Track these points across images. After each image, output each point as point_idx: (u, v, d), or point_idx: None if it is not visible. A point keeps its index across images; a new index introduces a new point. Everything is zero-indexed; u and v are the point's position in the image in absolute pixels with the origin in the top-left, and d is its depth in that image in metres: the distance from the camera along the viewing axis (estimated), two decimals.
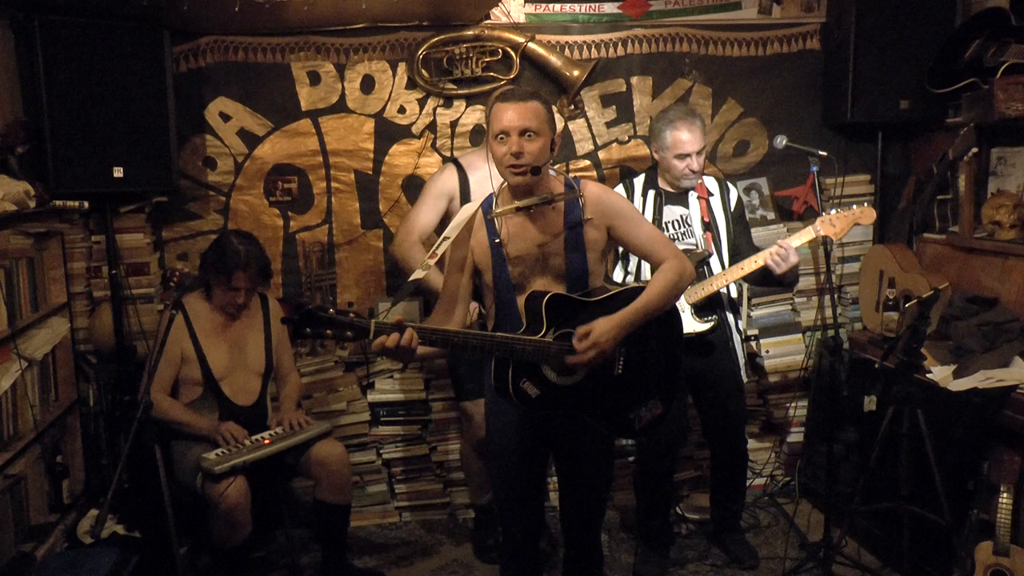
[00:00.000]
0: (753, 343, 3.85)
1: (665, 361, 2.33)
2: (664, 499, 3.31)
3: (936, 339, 3.20)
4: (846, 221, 3.01)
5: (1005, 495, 2.63)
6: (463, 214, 2.30)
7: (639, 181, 3.22)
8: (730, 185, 3.25)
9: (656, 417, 2.32)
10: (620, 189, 3.24)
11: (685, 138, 3.04)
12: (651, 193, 3.17)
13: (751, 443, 3.85)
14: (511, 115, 2.13)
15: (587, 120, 3.81)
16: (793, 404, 3.88)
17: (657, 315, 2.22)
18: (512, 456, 2.37)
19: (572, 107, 3.76)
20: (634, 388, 2.27)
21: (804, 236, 3.02)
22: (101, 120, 3.14)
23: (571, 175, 3.78)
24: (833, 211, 3.04)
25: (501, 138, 2.15)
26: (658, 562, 3.27)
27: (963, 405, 2.87)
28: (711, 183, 3.20)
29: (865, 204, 3.07)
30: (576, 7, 3.73)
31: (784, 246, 2.94)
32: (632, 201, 3.18)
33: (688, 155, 3.05)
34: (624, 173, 3.85)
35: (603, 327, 2.10)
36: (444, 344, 2.09)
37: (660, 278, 2.22)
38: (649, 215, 3.15)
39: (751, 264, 3.01)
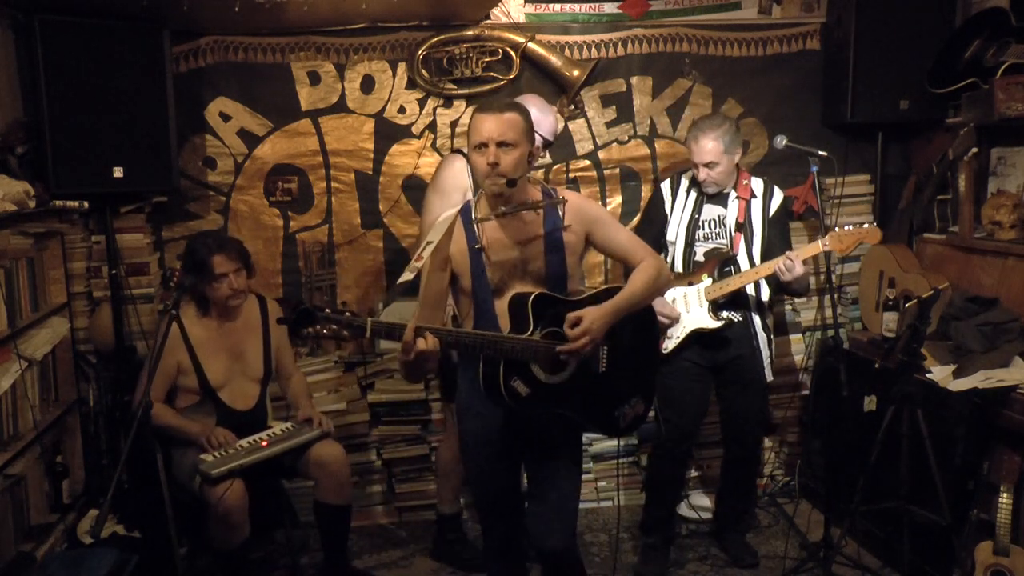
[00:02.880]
0: None
1: (644, 359, 2.39)
2: (674, 488, 3.37)
3: (936, 339, 3.20)
4: (853, 238, 3.10)
5: (1005, 495, 2.63)
6: (444, 218, 2.31)
7: (686, 178, 3.28)
8: (776, 189, 3.27)
9: (638, 415, 2.37)
10: (666, 184, 3.31)
11: (695, 148, 3.12)
12: (693, 191, 3.24)
13: None
14: (489, 126, 2.17)
15: (587, 120, 3.81)
16: (793, 404, 3.88)
17: (639, 308, 2.28)
18: (490, 456, 2.38)
19: (572, 107, 3.76)
20: (617, 386, 2.31)
21: (811, 250, 3.09)
22: (101, 120, 3.14)
23: (571, 175, 3.83)
24: (848, 227, 3.12)
25: (479, 148, 2.18)
26: (658, 560, 3.28)
27: (963, 405, 2.87)
28: (757, 186, 3.24)
29: (873, 223, 3.16)
30: (576, 7, 3.73)
31: (791, 257, 3.01)
32: (675, 197, 3.26)
33: (701, 164, 3.12)
34: (624, 173, 3.86)
35: (593, 314, 2.15)
36: (441, 342, 2.08)
37: (640, 274, 2.28)
38: (688, 211, 3.22)
39: (765, 269, 3.09)
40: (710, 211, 3.22)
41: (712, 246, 3.21)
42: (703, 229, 3.22)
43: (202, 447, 2.92)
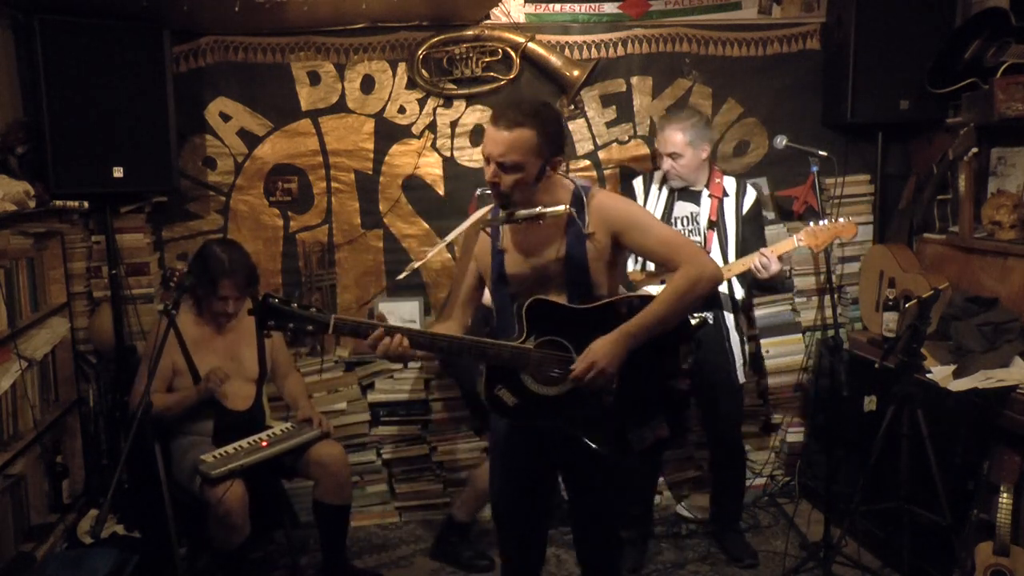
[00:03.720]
0: (753, 343, 3.85)
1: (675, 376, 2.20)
2: (648, 484, 3.40)
3: (936, 339, 3.20)
4: (828, 234, 3.11)
5: (1005, 495, 2.63)
6: (471, 219, 2.28)
7: (658, 174, 3.30)
8: (748, 187, 3.27)
9: (661, 439, 2.16)
10: (639, 180, 3.34)
11: (660, 137, 3.19)
12: (666, 188, 3.26)
13: (751, 443, 3.85)
14: (496, 142, 2.03)
15: (587, 120, 3.81)
16: (793, 404, 3.88)
17: (667, 328, 2.06)
18: (511, 471, 2.32)
19: (572, 107, 3.76)
20: (634, 405, 2.12)
21: (785, 246, 3.09)
22: (101, 120, 3.14)
23: (571, 175, 3.82)
24: (823, 222, 3.13)
25: (485, 159, 2.07)
26: (633, 555, 3.30)
27: (963, 405, 2.87)
28: (729, 184, 3.25)
29: (847, 219, 3.17)
30: (576, 7, 3.73)
31: (766, 254, 3.02)
32: (647, 193, 3.29)
33: (665, 154, 3.17)
34: (624, 173, 3.86)
35: (599, 345, 2.02)
36: (413, 344, 2.02)
37: (668, 288, 2.07)
38: (660, 208, 3.24)
39: (738, 267, 3.10)
40: (682, 208, 3.23)
41: None
42: (675, 226, 3.21)
43: (209, 390, 2.97)
